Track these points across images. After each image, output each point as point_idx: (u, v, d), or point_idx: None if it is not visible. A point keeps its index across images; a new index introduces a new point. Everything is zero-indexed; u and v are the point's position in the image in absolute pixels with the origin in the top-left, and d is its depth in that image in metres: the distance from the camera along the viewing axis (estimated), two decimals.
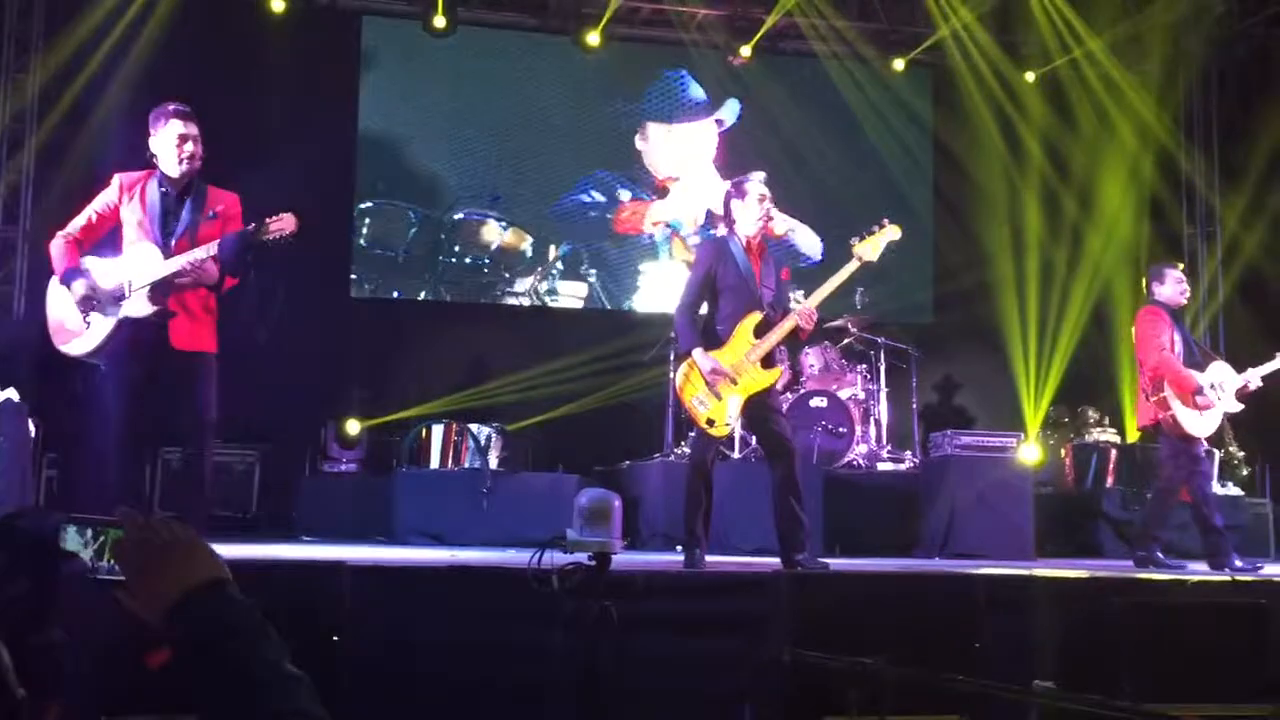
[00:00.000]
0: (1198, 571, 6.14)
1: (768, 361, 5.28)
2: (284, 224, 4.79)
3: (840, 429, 8.17)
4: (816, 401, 8.25)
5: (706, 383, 5.16)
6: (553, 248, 10.14)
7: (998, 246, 10.26)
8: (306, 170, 8.89)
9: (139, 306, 4.82)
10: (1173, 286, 6.66)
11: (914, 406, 8.93)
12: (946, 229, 10.62)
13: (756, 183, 5.39)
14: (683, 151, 10.34)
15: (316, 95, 9.33)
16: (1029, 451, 8.65)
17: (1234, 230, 10.13)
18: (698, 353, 5.19)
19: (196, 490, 5.00)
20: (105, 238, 5.02)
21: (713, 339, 5.27)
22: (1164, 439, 6.60)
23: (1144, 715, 3.07)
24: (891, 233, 5.42)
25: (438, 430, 7.93)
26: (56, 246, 4.95)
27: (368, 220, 9.89)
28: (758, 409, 5.27)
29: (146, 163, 5.01)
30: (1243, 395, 6.56)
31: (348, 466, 8.65)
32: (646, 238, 10.28)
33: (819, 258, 9.84)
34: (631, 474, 8.04)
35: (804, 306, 5.26)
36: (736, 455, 7.75)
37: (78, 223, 4.99)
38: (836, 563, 5.75)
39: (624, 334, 9.32)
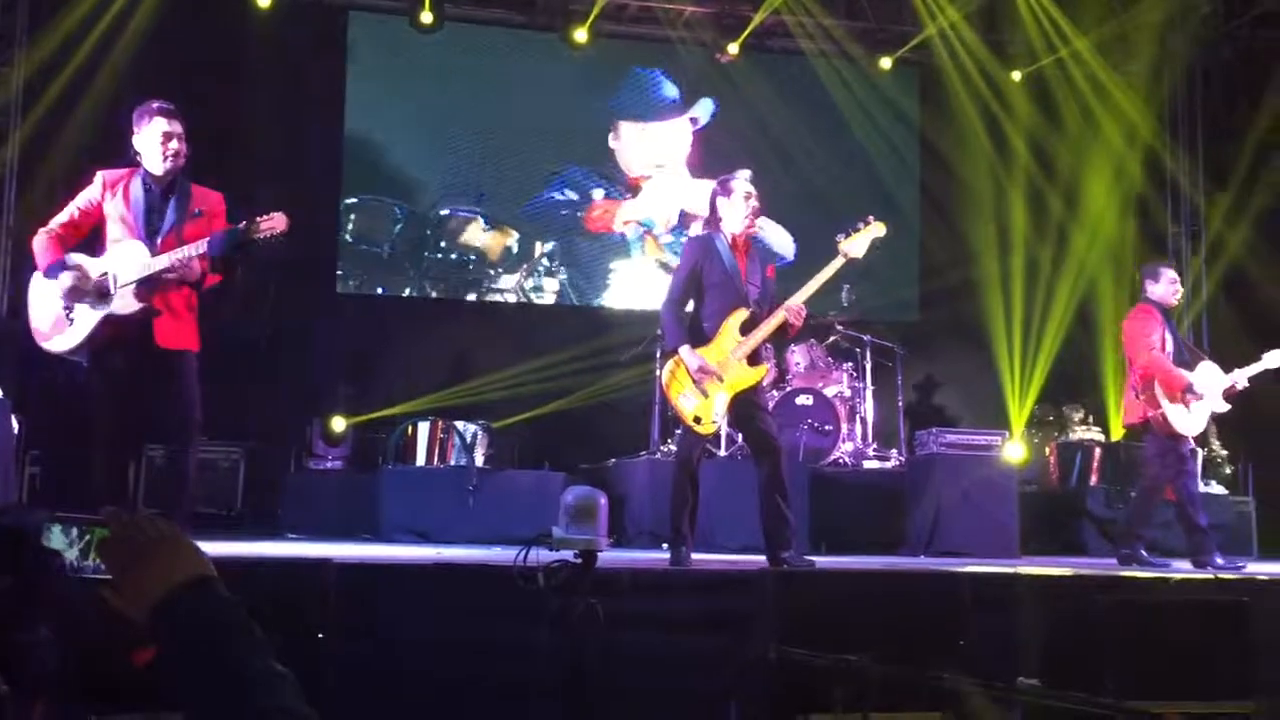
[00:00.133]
0: (1181, 570, 6.17)
1: (754, 359, 5.28)
2: (275, 223, 4.78)
3: (826, 427, 8.19)
4: (802, 399, 8.26)
5: (693, 380, 5.16)
6: (539, 244, 10.13)
7: (983, 245, 10.29)
8: (292, 166, 8.88)
9: (124, 303, 4.80)
10: (1166, 286, 6.68)
11: (899, 404, 8.95)
12: (933, 227, 10.64)
13: (742, 181, 5.39)
14: (656, 150, 10.32)
15: (302, 91, 9.30)
16: (1014, 450, 8.68)
17: (1218, 229, 10.17)
18: (684, 350, 5.19)
19: (181, 488, 4.97)
20: (88, 234, 5.00)
21: (699, 336, 5.27)
22: (1150, 437, 6.62)
23: (1127, 712, 3.09)
24: (877, 229, 5.43)
25: (423, 427, 7.91)
26: (39, 241, 4.92)
27: (353, 216, 9.86)
28: (744, 406, 5.27)
29: (130, 159, 4.99)
30: (1230, 395, 6.59)
31: (333, 464, 8.62)
32: (618, 236, 10.26)
33: (791, 257, 9.87)
34: (618, 472, 8.04)
35: (792, 302, 5.26)
36: (723, 453, 7.75)
37: (60, 218, 4.96)
38: (822, 561, 5.76)
39: (610, 332, 9.32)
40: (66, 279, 4.80)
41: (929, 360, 10.15)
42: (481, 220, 10.09)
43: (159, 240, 4.86)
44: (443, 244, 10.04)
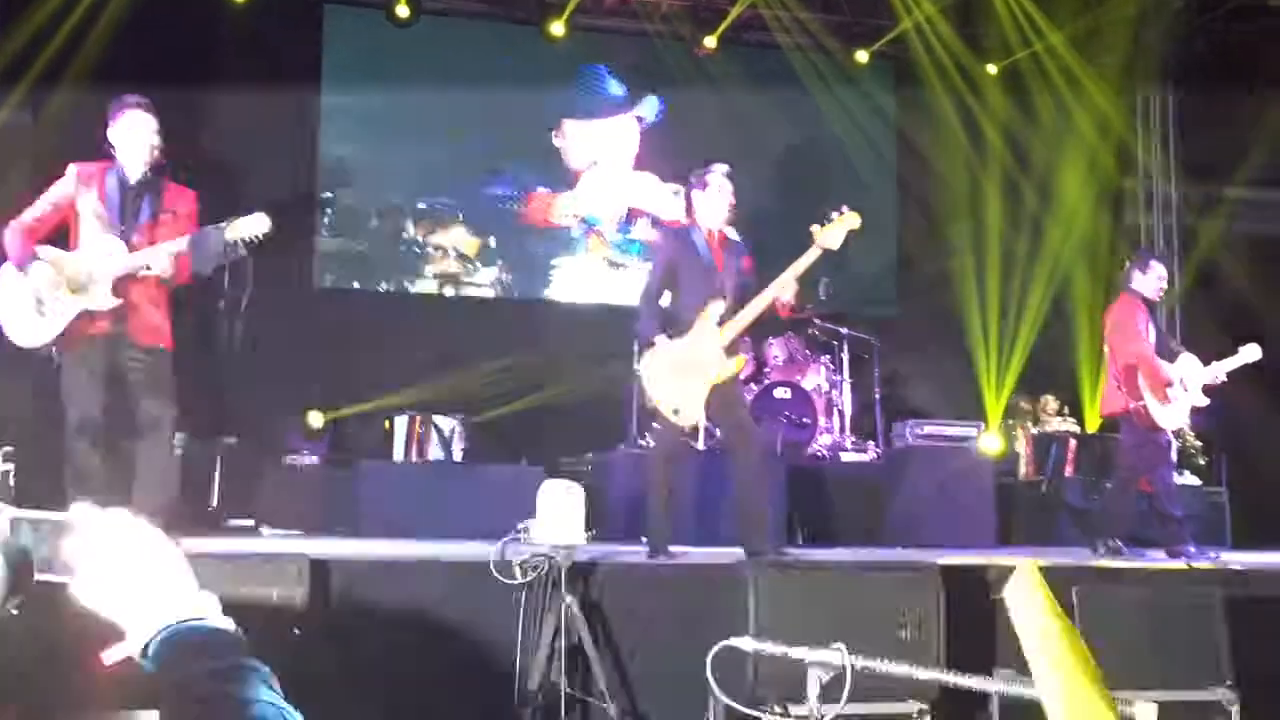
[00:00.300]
0: (1156, 560, 6.22)
1: (731, 350, 5.29)
2: (256, 223, 4.78)
3: (804, 419, 8.21)
4: (780, 392, 8.28)
5: (671, 372, 5.16)
6: (483, 239, 10.05)
7: (959, 238, 10.33)
8: (267, 160, 8.83)
9: (100, 299, 4.77)
10: (1153, 279, 6.71)
11: (877, 396, 8.98)
12: (909, 220, 10.68)
13: (719, 175, 5.38)
14: (600, 147, 10.29)
15: (278, 84, 9.23)
16: (990, 441, 8.73)
17: (1192, 222, 10.24)
18: (662, 341, 5.19)
19: (155, 484, 4.95)
20: (60, 227, 4.96)
21: (676, 328, 5.27)
22: (1128, 428, 6.64)
23: None
24: (851, 220, 5.43)
25: (401, 422, 7.89)
26: (10, 234, 4.88)
27: (330, 211, 9.82)
28: (721, 399, 5.28)
29: (104, 154, 4.96)
30: (1208, 389, 6.64)
31: (310, 459, 8.59)
32: (562, 230, 10.20)
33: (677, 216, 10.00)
34: (596, 465, 8.03)
35: (783, 279, 5.22)
36: (701, 446, 7.76)
37: (32, 211, 4.92)
38: (799, 553, 5.77)
39: (589, 326, 9.31)
40: (40, 273, 4.76)
41: (906, 353, 10.18)
42: (460, 215, 10.07)
43: (133, 236, 4.85)
44: (419, 238, 10.00)
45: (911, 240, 10.59)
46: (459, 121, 10.02)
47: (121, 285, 4.78)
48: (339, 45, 9.85)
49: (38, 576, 1.36)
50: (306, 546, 5.00)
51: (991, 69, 10.57)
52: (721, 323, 5.23)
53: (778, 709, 3.48)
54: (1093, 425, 9.63)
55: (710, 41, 10.19)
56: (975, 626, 4.21)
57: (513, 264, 10.13)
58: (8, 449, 7.39)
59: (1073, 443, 9.00)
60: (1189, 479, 8.60)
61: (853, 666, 2.45)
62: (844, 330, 8.82)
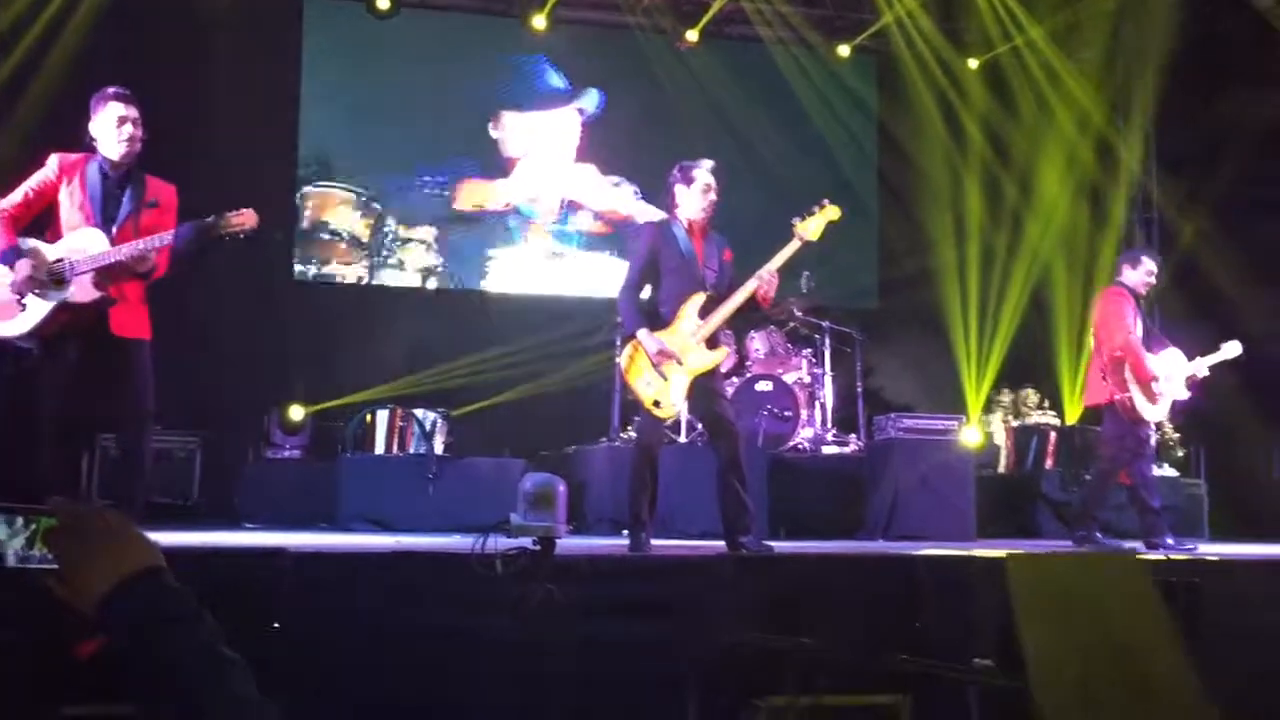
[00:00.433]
0: (1133, 551, 6.26)
1: (712, 342, 5.29)
2: (245, 219, 4.78)
3: (785, 412, 8.22)
4: (762, 385, 8.29)
5: (652, 364, 5.17)
6: (415, 228, 10.01)
7: (940, 232, 10.37)
8: (246, 151, 8.78)
9: (81, 291, 4.75)
10: (1142, 274, 6.77)
11: (858, 390, 9.00)
12: (891, 214, 10.72)
13: (705, 171, 5.37)
14: (538, 139, 10.26)
15: (258, 76, 9.19)
16: (970, 434, 8.77)
17: (1171, 217, 10.30)
18: (643, 334, 5.19)
19: (133, 478, 4.93)
20: (38, 217, 4.94)
21: (657, 321, 5.27)
22: (1111, 419, 6.66)
23: None
24: (831, 213, 5.44)
25: (382, 415, 7.86)
26: None
27: (310, 203, 9.79)
28: (702, 392, 5.28)
29: (86, 146, 4.94)
30: (1191, 383, 6.69)
31: (291, 453, 8.57)
32: (496, 218, 10.16)
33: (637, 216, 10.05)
34: (578, 458, 8.04)
35: (765, 270, 5.23)
36: (683, 439, 7.78)
37: (13, 198, 4.89)
38: (781, 545, 5.79)
39: (571, 319, 9.32)
40: (22, 264, 4.73)
41: (887, 346, 10.22)
42: (437, 205, 10.05)
43: (115, 229, 4.84)
44: (400, 230, 9.98)
45: (892, 234, 10.63)
46: (437, 112, 10.00)
47: (103, 278, 4.76)
48: (319, 36, 9.81)
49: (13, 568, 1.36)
50: (287, 540, 4.99)
51: (972, 64, 10.62)
52: (703, 315, 5.24)
53: (757, 700, 3.49)
54: (1072, 418, 9.69)
55: (692, 35, 10.20)
56: (955, 618, 4.23)
57: (449, 254, 10.08)
58: None
59: (1052, 435, 9.05)
60: (1168, 471, 8.66)
61: (829, 657, 2.46)
62: (826, 324, 8.85)
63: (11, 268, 4.74)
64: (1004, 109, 10.52)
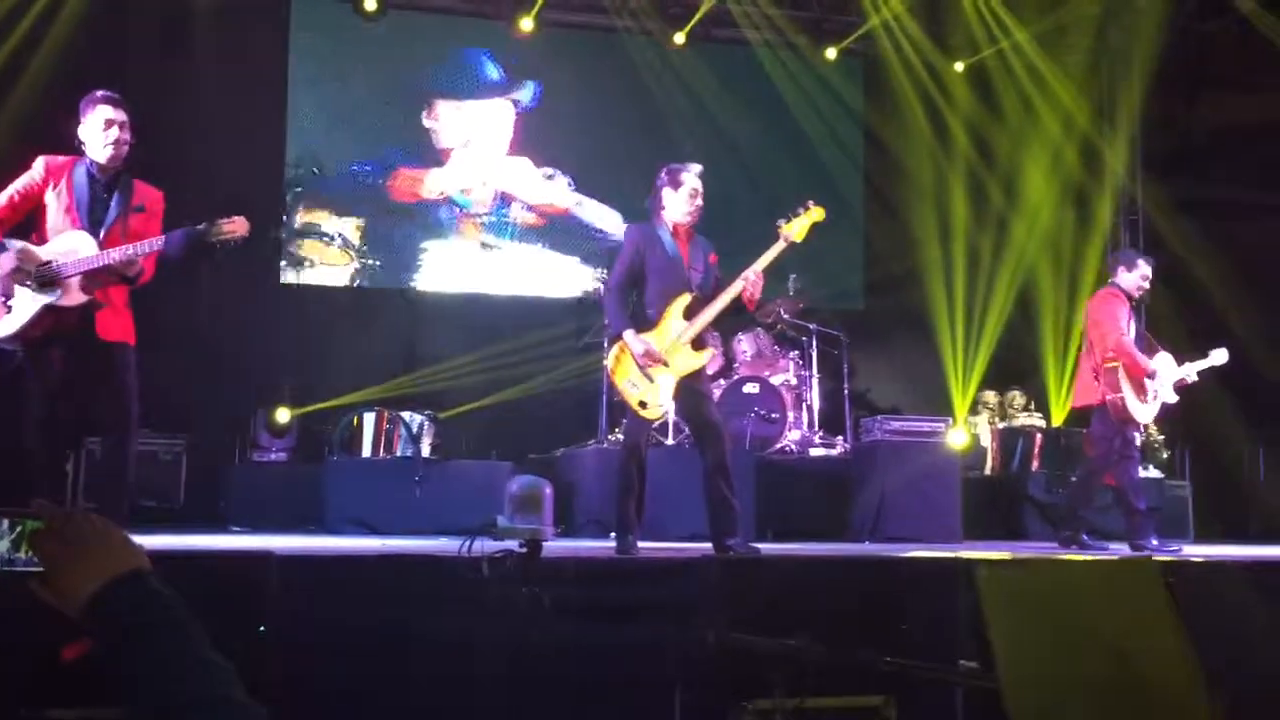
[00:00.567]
0: (1119, 552, 6.29)
1: (698, 343, 5.30)
2: (236, 227, 4.76)
3: (773, 414, 8.24)
4: (749, 387, 8.31)
5: (638, 365, 5.17)
6: (347, 220, 9.96)
7: (926, 234, 10.39)
8: (232, 154, 8.77)
9: (69, 294, 4.74)
10: (1137, 278, 6.79)
11: (845, 392, 9.02)
12: (877, 217, 10.75)
13: (692, 175, 5.38)
14: (472, 129, 10.21)
15: (245, 78, 9.17)
16: (957, 436, 8.79)
17: (1155, 220, 10.35)
18: (629, 334, 5.20)
19: (118, 481, 4.92)
20: (24, 219, 4.92)
21: (643, 322, 5.28)
22: (1101, 419, 6.67)
23: None
24: (816, 214, 5.45)
25: (369, 418, 7.85)
26: None
27: (298, 206, 9.77)
28: (688, 393, 5.29)
29: (74, 149, 4.93)
30: (1179, 388, 6.72)
31: (277, 455, 8.55)
32: (429, 212, 10.08)
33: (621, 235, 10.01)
34: (566, 461, 8.04)
35: (750, 271, 5.25)
36: (670, 441, 7.78)
37: None
38: (768, 548, 5.80)
39: (558, 321, 9.31)
40: (8, 265, 4.71)
41: (874, 348, 10.25)
42: (423, 205, 10.05)
43: (102, 232, 4.82)
44: (388, 233, 9.97)
45: (879, 237, 10.66)
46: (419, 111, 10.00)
47: (90, 281, 4.75)
48: (306, 37, 9.80)
49: None
50: (273, 543, 4.98)
51: (958, 67, 10.65)
52: (688, 316, 5.25)
53: (744, 702, 3.49)
54: (1058, 420, 9.73)
55: (679, 38, 10.21)
56: (941, 620, 4.24)
57: (380, 249, 9.98)
58: None
59: (1038, 437, 9.08)
60: (1152, 472, 8.70)
61: (814, 659, 2.47)
62: (812, 326, 8.86)
63: None
64: (990, 112, 10.56)
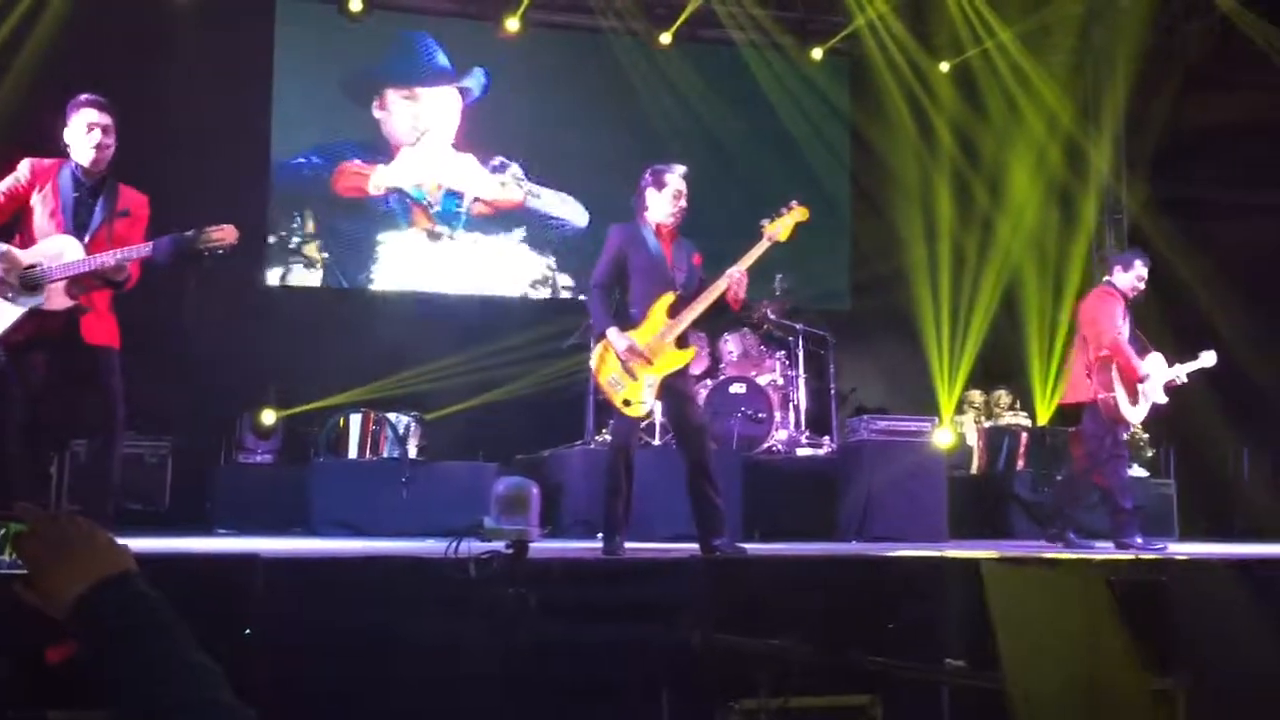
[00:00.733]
0: (1105, 550, 6.32)
1: (681, 341, 5.31)
2: (225, 234, 4.74)
3: (759, 415, 8.25)
4: (736, 388, 8.31)
5: (621, 362, 5.17)
6: (295, 216, 9.91)
7: (912, 234, 10.42)
8: (217, 156, 8.74)
9: (54, 298, 4.71)
10: (1133, 279, 6.81)
11: (831, 392, 9.04)
12: (863, 217, 10.77)
13: (677, 177, 5.38)
14: (422, 119, 10.15)
15: (230, 80, 9.13)
16: (943, 435, 8.82)
17: (1139, 219, 10.39)
18: (612, 332, 5.20)
19: (103, 484, 4.90)
20: (8, 221, 4.89)
21: (626, 321, 5.28)
22: (1091, 418, 6.67)
23: None
24: (800, 214, 5.46)
25: (355, 420, 7.83)
26: None
27: (284, 207, 9.74)
28: (671, 394, 5.30)
29: (59, 152, 4.91)
30: (1169, 389, 6.75)
31: (263, 458, 8.52)
32: (379, 205, 9.99)
33: (583, 224, 10.11)
34: (553, 462, 8.03)
35: (734, 270, 5.25)
36: (657, 442, 7.78)
37: None
38: (754, 547, 5.81)
39: (544, 321, 9.30)
40: None
41: (860, 348, 10.26)
42: (413, 207, 10.03)
43: (87, 237, 4.80)
44: (374, 234, 9.94)
45: (865, 236, 10.68)
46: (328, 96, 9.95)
47: (75, 286, 4.73)
48: (291, 37, 9.77)
49: None
50: (259, 545, 4.97)
51: (943, 67, 10.68)
52: (673, 315, 5.25)
53: (731, 702, 3.50)
54: (1044, 419, 9.76)
55: (665, 38, 10.22)
56: (927, 619, 4.25)
57: (333, 244, 9.88)
58: None
59: (1024, 436, 9.11)
60: (1138, 471, 8.74)
61: (800, 658, 2.47)
62: (799, 326, 8.87)
63: None
64: (974, 112, 10.59)
